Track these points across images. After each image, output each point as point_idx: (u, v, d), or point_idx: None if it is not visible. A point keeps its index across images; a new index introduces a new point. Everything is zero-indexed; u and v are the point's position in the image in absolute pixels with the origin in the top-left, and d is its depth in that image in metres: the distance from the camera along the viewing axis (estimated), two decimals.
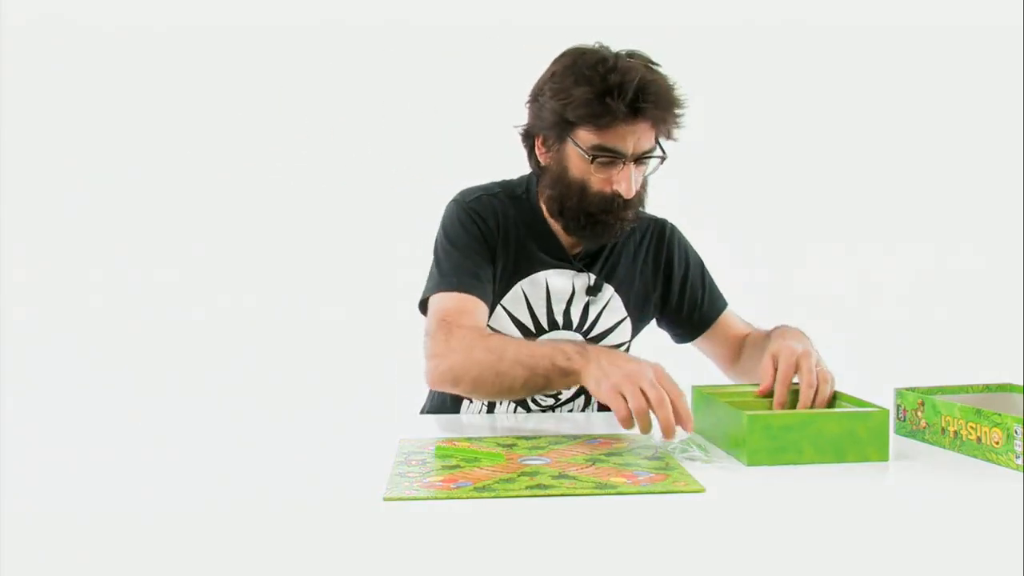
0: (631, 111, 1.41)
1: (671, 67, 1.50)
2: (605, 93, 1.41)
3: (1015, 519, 0.94)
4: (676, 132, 1.48)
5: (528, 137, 1.57)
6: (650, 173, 1.52)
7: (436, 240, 1.60)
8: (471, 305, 1.49)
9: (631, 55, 1.48)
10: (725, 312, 1.72)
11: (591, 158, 1.46)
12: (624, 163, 1.46)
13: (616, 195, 1.47)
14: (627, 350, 1.66)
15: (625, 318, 1.65)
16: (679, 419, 1.20)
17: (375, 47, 3.10)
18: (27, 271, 3.10)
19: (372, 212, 3.08)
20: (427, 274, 1.59)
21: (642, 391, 1.19)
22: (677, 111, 1.46)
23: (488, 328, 1.51)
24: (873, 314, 3.21)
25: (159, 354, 3.08)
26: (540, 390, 1.38)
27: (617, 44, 1.50)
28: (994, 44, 3.18)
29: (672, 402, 1.19)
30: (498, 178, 1.68)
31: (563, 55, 1.51)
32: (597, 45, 1.50)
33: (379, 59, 3.11)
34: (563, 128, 1.47)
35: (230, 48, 3.08)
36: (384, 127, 3.09)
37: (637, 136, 1.44)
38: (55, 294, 3.11)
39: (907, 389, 1.34)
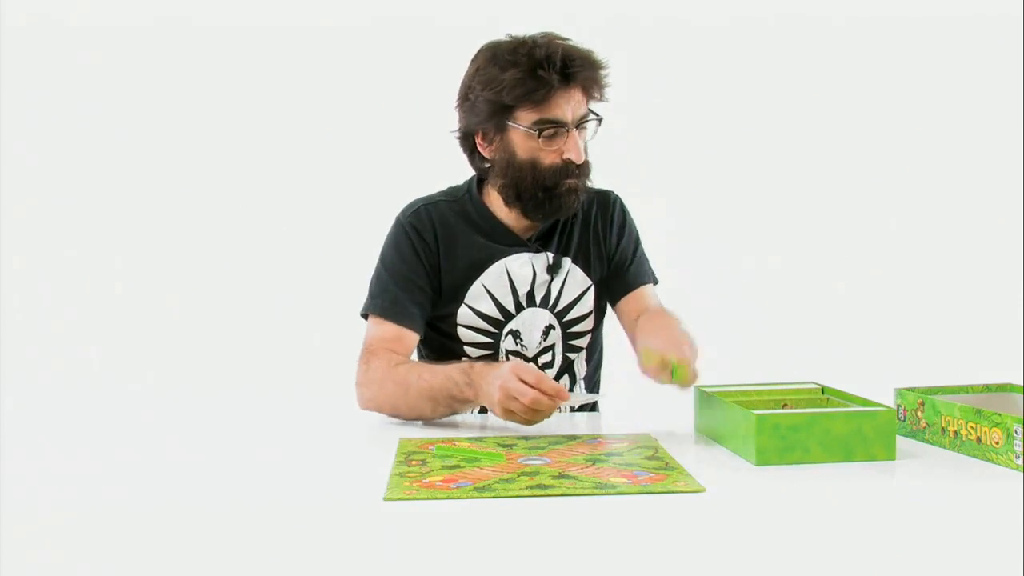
0: (563, 78, 1.48)
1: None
2: (536, 67, 1.47)
3: (1015, 519, 0.94)
4: (606, 93, 1.55)
5: (467, 138, 1.61)
6: (591, 138, 1.58)
7: (378, 257, 1.66)
8: (392, 333, 1.57)
9: (544, 34, 1.53)
10: (645, 287, 1.72)
11: (537, 132, 1.50)
12: (567, 131, 1.51)
13: (568, 163, 1.53)
14: (593, 316, 1.69)
15: (589, 286, 1.68)
16: (553, 396, 1.30)
17: (374, 47, 3.10)
18: (27, 271, 3.09)
19: (373, 211, 3.06)
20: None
21: (517, 400, 1.30)
22: (603, 71, 1.52)
23: (399, 357, 1.54)
24: (873, 314, 3.20)
25: (159, 354, 3.08)
26: (448, 414, 1.48)
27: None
28: (992, 35, 3.17)
29: (537, 387, 1.29)
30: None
31: (479, 52, 1.57)
32: (508, 36, 1.55)
33: (379, 60, 3.11)
34: (501, 115, 1.52)
35: (229, 48, 3.08)
36: (386, 127, 3.08)
37: (573, 102, 1.51)
38: (55, 294, 3.11)
39: (907, 389, 1.34)
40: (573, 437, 1.34)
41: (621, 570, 0.81)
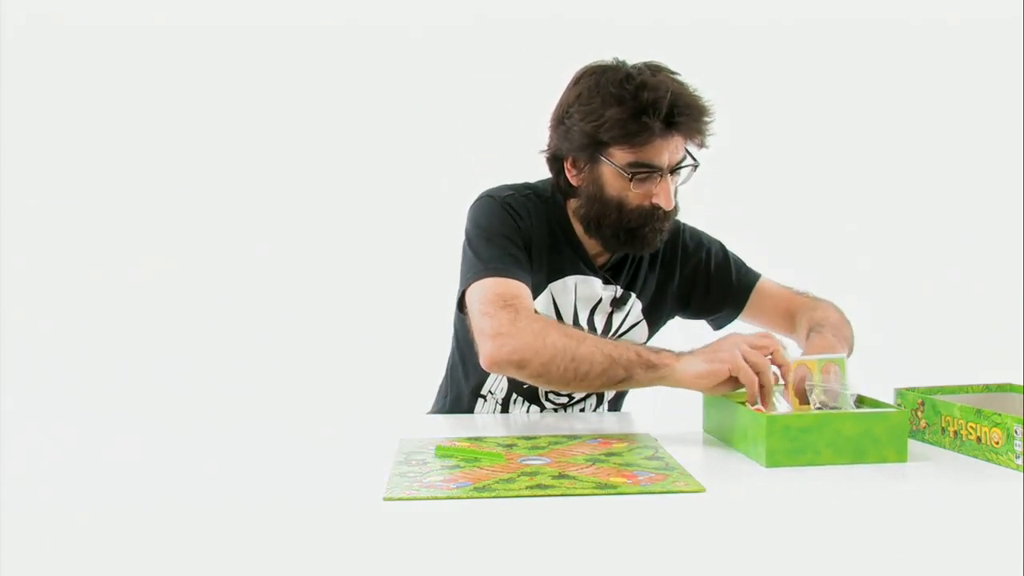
0: (667, 126, 1.43)
1: (679, 63, 1.51)
2: (640, 112, 1.41)
3: (1015, 519, 0.94)
4: (707, 140, 1.50)
5: (556, 160, 1.56)
6: (683, 182, 1.54)
7: (467, 235, 1.55)
8: (523, 292, 1.45)
9: (653, 69, 1.47)
10: (759, 283, 1.71)
11: (630, 176, 1.46)
12: (661, 176, 1.47)
13: (656, 208, 1.49)
14: None
15: (640, 321, 1.66)
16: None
17: (382, 48, 3.10)
18: (27, 271, 3.09)
19: (374, 212, 3.08)
20: (458, 270, 1.55)
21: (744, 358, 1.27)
22: (707, 119, 1.47)
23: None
24: (873, 314, 3.20)
25: (159, 354, 3.08)
26: (617, 384, 1.35)
27: (632, 44, 1.50)
28: (994, 40, 3.17)
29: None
30: (504, 180, 1.67)
31: (583, 75, 1.50)
32: (615, 61, 1.50)
33: (384, 63, 3.11)
34: (595, 148, 1.47)
35: (230, 48, 3.08)
36: (389, 127, 3.08)
37: (672, 149, 1.46)
38: (54, 294, 3.11)
39: (907, 389, 1.34)
40: (573, 437, 1.34)
41: (621, 570, 0.81)
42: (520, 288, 1.45)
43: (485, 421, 1.54)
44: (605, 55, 1.52)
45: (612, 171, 1.47)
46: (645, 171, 1.46)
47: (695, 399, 1.41)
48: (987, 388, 1.39)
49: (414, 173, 3.03)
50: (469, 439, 1.32)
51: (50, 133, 3.09)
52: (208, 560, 0.86)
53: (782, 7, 3.15)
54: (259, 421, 1.59)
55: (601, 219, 1.51)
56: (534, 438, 1.33)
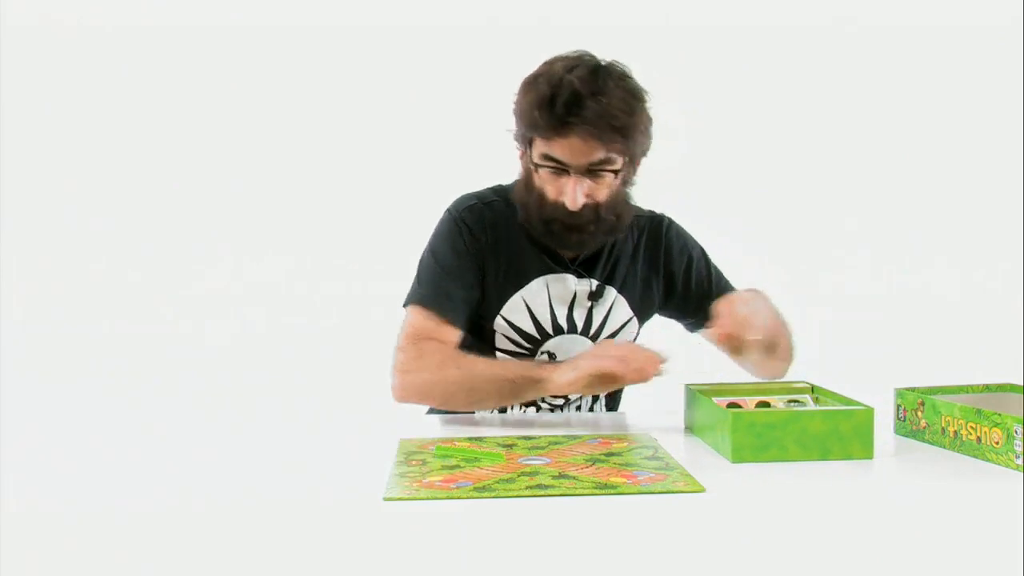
0: (561, 124, 1.42)
1: (673, 67, 1.50)
2: (539, 105, 1.43)
3: (1015, 519, 0.94)
4: (633, 147, 1.47)
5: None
6: (625, 185, 1.52)
7: (425, 247, 1.61)
8: (436, 325, 1.53)
9: (585, 66, 1.45)
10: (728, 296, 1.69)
11: (536, 167, 1.48)
12: (570, 174, 1.46)
13: (563, 205, 1.47)
14: None
15: (631, 318, 1.65)
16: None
17: (375, 48, 3.10)
18: (27, 271, 3.09)
19: (374, 211, 3.08)
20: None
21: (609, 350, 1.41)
22: (618, 125, 1.42)
23: (453, 346, 1.53)
24: (873, 314, 3.20)
25: (158, 353, 3.08)
26: (512, 399, 1.50)
27: (632, 43, 1.49)
28: (994, 45, 3.18)
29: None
30: (495, 181, 1.68)
31: (543, 63, 1.52)
32: (576, 53, 1.49)
33: (384, 63, 3.11)
34: (524, 135, 1.50)
35: (228, 49, 3.08)
36: (388, 127, 3.08)
37: (577, 149, 1.43)
38: (53, 294, 3.11)
39: (907, 389, 1.34)
40: (573, 437, 1.34)
41: (621, 570, 0.81)
42: (434, 322, 1.53)
43: (485, 421, 1.54)
44: (602, 57, 1.51)
45: (530, 162, 1.50)
46: (551, 165, 1.46)
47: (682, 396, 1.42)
48: (987, 388, 1.39)
49: (414, 174, 3.03)
50: (469, 439, 1.32)
51: (50, 133, 3.09)
52: (208, 560, 0.86)
53: (782, 8, 3.16)
54: (259, 421, 1.59)
55: (527, 207, 1.53)
56: (534, 438, 1.33)
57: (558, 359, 1.57)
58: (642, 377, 1.38)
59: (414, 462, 1.18)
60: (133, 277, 3.11)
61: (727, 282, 1.73)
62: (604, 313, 1.62)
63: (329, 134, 3.12)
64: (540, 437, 1.34)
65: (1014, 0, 3.12)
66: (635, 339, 1.67)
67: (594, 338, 1.61)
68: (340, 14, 3.08)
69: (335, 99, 3.11)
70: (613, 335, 1.63)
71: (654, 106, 1.49)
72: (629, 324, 1.65)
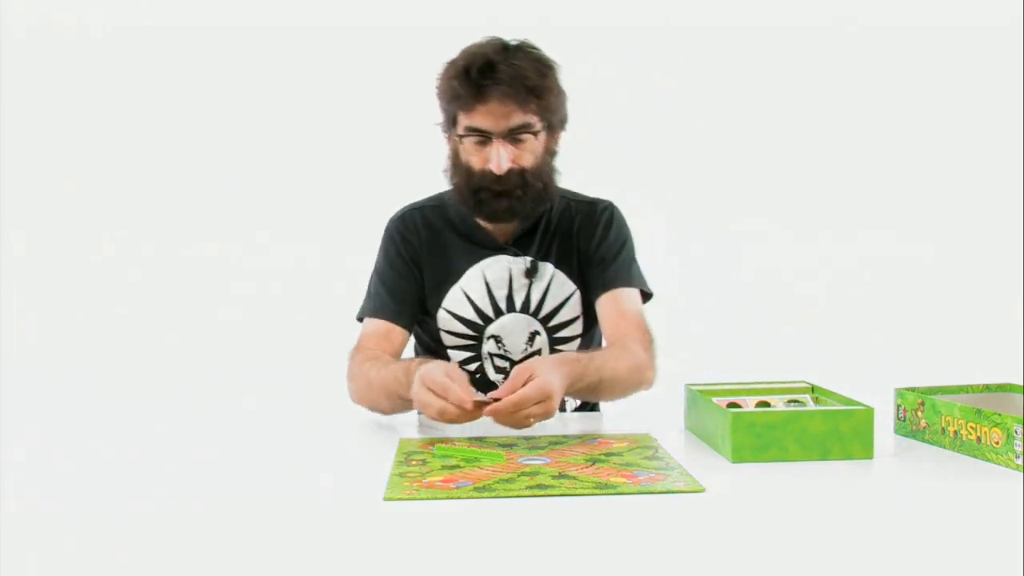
0: (479, 89, 1.50)
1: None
2: (461, 75, 1.51)
3: (1015, 519, 0.94)
4: (549, 113, 1.55)
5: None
6: (548, 146, 1.58)
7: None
8: (384, 329, 1.62)
9: (492, 41, 1.55)
10: (624, 290, 1.64)
11: (460, 140, 1.55)
12: (492, 140, 1.52)
13: (492, 172, 1.53)
14: (582, 322, 1.67)
15: (574, 291, 1.67)
16: (458, 406, 1.28)
17: (375, 48, 3.10)
18: (27, 270, 3.09)
19: (373, 211, 3.07)
20: None
21: (428, 408, 1.31)
22: (531, 85, 1.50)
23: (374, 352, 1.57)
24: (873, 314, 3.20)
25: (158, 353, 3.07)
26: (401, 410, 1.49)
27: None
28: (993, 45, 3.18)
29: (443, 396, 1.28)
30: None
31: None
32: (488, 37, 1.57)
33: (383, 62, 3.11)
34: (448, 115, 1.58)
35: (228, 49, 3.08)
36: (388, 127, 3.08)
37: (497, 112, 1.51)
38: (53, 294, 3.11)
39: (907, 389, 1.34)
40: (573, 437, 1.34)
41: (621, 570, 0.81)
42: (379, 326, 1.62)
43: (485, 421, 1.54)
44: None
45: (456, 138, 1.57)
46: (475, 135, 1.53)
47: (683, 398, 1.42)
48: (987, 388, 1.39)
49: (415, 174, 3.02)
50: (469, 439, 1.32)
51: (50, 134, 3.09)
52: (208, 560, 0.86)
53: (782, 8, 3.16)
54: (259, 421, 1.59)
55: (460, 185, 1.59)
56: (534, 438, 1.33)
57: (503, 341, 1.65)
58: (442, 419, 1.30)
59: (414, 462, 1.18)
60: (133, 276, 3.11)
61: (624, 279, 1.65)
62: (543, 288, 1.65)
63: (329, 134, 3.12)
64: (540, 437, 1.34)
65: (1014, 0, 3.12)
66: (580, 316, 1.67)
67: (535, 314, 1.65)
68: (340, 14, 3.08)
69: (335, 99, 3.11)
70: (557, 310, 1.65)
71: (565, 79, 1.57)
72: (573, 297, 1.67)
